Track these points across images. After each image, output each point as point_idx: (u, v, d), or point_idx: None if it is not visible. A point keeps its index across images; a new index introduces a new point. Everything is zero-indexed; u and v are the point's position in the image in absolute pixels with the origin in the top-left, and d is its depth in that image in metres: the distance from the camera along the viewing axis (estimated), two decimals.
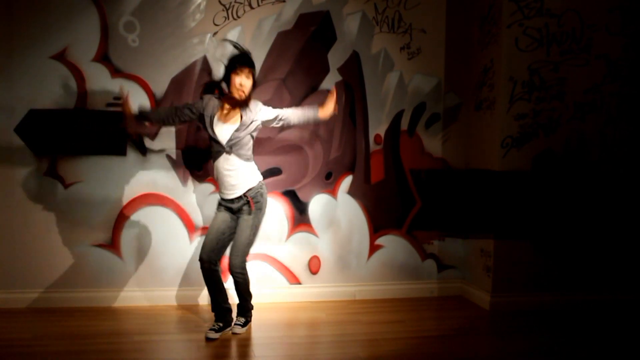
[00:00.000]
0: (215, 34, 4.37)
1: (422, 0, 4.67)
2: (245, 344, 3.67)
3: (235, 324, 3.86)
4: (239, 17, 4.40)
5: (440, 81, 4.76)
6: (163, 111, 3.82)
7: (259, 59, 4.44)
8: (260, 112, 3.76)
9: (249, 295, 3.88)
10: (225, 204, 3.77)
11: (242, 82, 3.62)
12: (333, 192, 4.64)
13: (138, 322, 4.00)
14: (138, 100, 4.27)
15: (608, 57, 4.46)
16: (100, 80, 4.23)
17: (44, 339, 3.61)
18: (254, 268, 4.53)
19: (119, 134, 4.27)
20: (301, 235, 4.59)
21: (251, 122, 3.71)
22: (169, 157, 4.37)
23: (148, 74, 4.29)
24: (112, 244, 4.32)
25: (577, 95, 4.46)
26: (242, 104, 3.68)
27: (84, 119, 4.23)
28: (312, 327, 4.04)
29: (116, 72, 4.25)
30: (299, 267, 4.62)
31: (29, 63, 4.14)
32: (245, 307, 3.90)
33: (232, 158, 3.68)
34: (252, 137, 3.77)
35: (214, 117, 3.70)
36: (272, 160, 4.52)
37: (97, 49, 4.22)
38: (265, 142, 4.50)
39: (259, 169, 4.47)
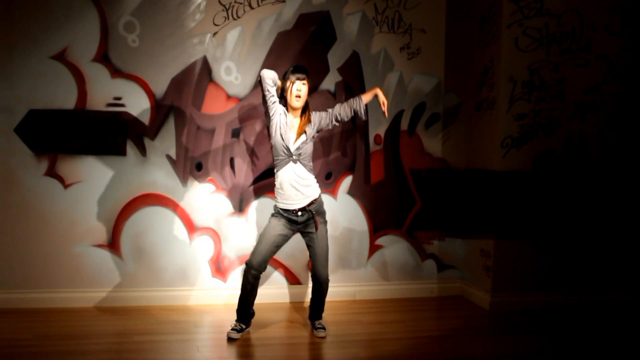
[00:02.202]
0: (215, 34, 4.37)
1: (422, 0, 4.67)
2: (245, 344, 3.67)
3: (318, 328, 3.84)
4: (239, 17, 4.40)
5: (440, 81, 4.76)
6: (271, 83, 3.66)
7: (259, 59, 4.45)
8: (318, 121, 3.78)
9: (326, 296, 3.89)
10: (287, 216, 3.70)
11: (299, 87, 3.64)
12: (333, 192, 4.64)
13: (138, 322, 4.00)
14: (138, 100, 4.28)
15: (608, 57, 4.46)
16: (100, 80, 4.23)
17: (44, 339, 3.61)
18: None
19: (119, 134, 4.27)
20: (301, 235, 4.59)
21: (313, 133, 3.75)
22: (169, 157, 4.37)
23: (148, 74, 4.29)
24: (112, 244, 4.32)
25: (577, 95, 4.46)
26: (304, 115, 3.72)
27: (84, 119, 4.23)
28: (312, 327, 4.03)
29: (116, 72, 4.25)
30: (299, 267, 4.62)
31: (29, 63, 4.14)
32: (322, 309, 3.91)
33: (299, 167, 3.68)
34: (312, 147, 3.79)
35: (282, 125, 3.67)
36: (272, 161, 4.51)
37: (97, 49, 4.22)
38: (266, 142, 4.49)
39: (259, 168, 4.50)
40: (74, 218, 4.26)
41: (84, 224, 4.27)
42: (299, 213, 3.69)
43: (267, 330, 3.96)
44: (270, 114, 3.68)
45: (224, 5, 4.37)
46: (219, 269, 4.49)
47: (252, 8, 4.42)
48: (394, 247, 4.76)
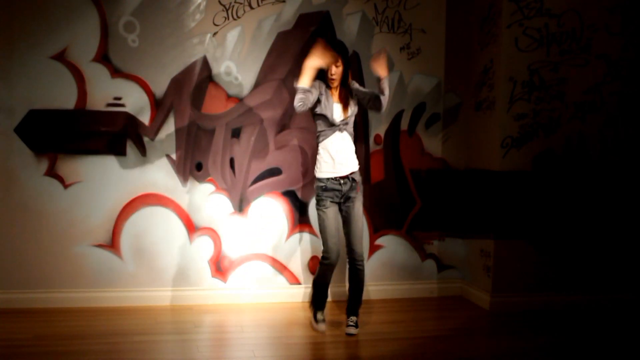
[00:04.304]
0: (215, 34, 4.37)
1: (422, 1, 4.67)
2: (245, 344, 3.67)
3: (349, 325, 3.85)
4: (239, 17, 4.40)
5: (440, 81, 4.76)
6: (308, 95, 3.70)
7: (259, 59, 4.45)
8: (355, 105, 3.86)
9: (364, 285, 3.92)
10: (332, 187, 3.75)
11: (333, 72, 3.73)
12: None
13: (138, 322, 4.00)
14: (138, 100, 4.28)
15: (608, 57, 4.46)
16: (100, 80, 4.23)
17: (44, 339, 3.61)
18: (253, 268, 4.54)
19: (119, 134, 4.27)
20: (301, 236, 4.59)
21: (355, 107, 3.84)
22: (169, 157, 4.37)
23: (148, 74, 4.29)
24: (112, 244, 4.32)
25: (577, 95, 4.45)
26: (343, 87, 3.81)
27: (84, 119, 4.23)
28: (312, 327, 4.03)
29: (116, 72, 4.25)
30: (299, 267, 4.62)
31: (29, 63, 4.13)
32: (359, 302, 3.91)
33: (345, 135, 3.79)
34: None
35: (326, 101, 3.76)
36: (272, 160, 4.52)
37: (97, 49, 4.22)
38: (265, 142, 4.50)
39: (259, 168, 4.51)
40: (74, 218, 4.26)
41: (84, 224, 4.27)
42: (342, 181, 3.76)
43: (267, 330, 3.96)
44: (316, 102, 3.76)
45: (224, 5, 4.37)
46: (219, 269, 4.49)
47: (252, 8, 4.42)
48: (394, 247, 4.76)
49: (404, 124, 4.72)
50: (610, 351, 3.69)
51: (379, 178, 4.70)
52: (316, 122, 3.82)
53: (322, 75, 3.76)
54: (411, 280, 4.80)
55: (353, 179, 3.78)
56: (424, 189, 4.78)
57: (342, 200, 3.80)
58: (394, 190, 4.74)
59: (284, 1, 4.45)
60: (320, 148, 3.80)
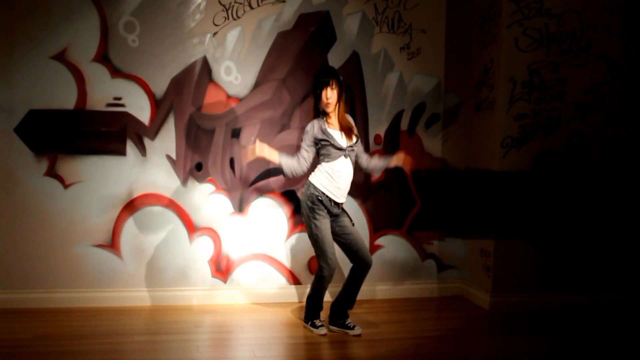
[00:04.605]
0: (215, 34, 4.37)
1: (422, 0, 4.67)
2: (245, 344, 3.67)
3: (355, 327, 3.87)
4: (239, 17, 4.40)
5: (440, 81, 4.76)
6: (292, 165, 3.80)
7: (259, 59, 4.45)
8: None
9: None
10: (327, 206, 3.78)
11: (327, 95, 3.72)
12: None
13: (138, 322, 4.00)
14: (138, 100, 4.28)
15: (608, 57, 4.46)
16: (100, 80, 4.23)
17: (44, 339, 3.61)
18: (253, 268, 4.54)
19: (119, 134, 4.27)
20: (301, 235, 4.59)
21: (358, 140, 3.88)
22: (169, 157, 4.37)
23: (148, 74, 4.29)
24: (112, 244, 4.32)
25: (577, 95, 4.45)
26: (340, 109, 3.80)
27: (84, 119, 4.23)
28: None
29: (116, 72, 4.25)
30: (299, 267, 4.62)
31: (29, 63, 4.14)
32: (354, 301, 3.97)
33: (349, 163, 3.80)
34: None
35: (326, 130, 3.76)
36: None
37: (97, 49, 4.22)
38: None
39: (259, 168, 4.50)
40: (74, 218, 4.26)
41: (84, 224, 4.27)
42: (334, 204, 3.80)
43: (267, 330, 3.96)
44: (315, 145, 3.81)
45: (224, 5, 4.37)
46: (219, 269, 4.49)
47: (252, 8, 4.42)
48: (394, 247, 4.76)
49: (404, 124, 4.72)
50: (610, 351, 3.69)
51: (379, 178, 4.70)
52: (321, 151, 3.80)
53: (317, 102, 3.78)
54: (411, 280, 4.80)
55: (341, 208, 3.85)
56: (424, 189, 4.78)
57: (332, 219, 3.83)
58: (394, 190, 4.74)
59: (284, 1, 4.45)
60: (323, 165, 3.79)
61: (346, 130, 3.79)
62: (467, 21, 4.76)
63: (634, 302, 4.55)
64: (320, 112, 3.81)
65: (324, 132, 3.75)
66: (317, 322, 3.92)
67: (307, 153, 3.80)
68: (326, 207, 3.78)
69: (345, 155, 3.77)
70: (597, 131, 4.51)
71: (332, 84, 3.72)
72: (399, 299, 4.70)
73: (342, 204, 3.84)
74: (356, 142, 3.82)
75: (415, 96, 4.72)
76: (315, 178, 3.80)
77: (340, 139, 3.77)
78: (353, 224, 3.89)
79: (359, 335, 3.82)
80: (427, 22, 4.68)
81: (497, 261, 4.44)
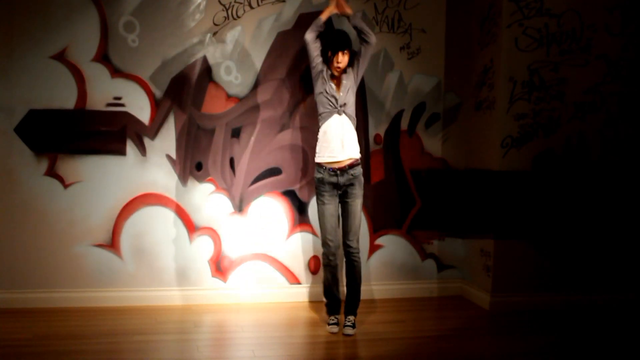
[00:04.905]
0: (215, 34, 4.37)
1: (422, 0, 4.66)
2: (245, 344, 3.67)
3: (346, 325, 3.86)
4: (238, 17, 4.40)
5: (440, 81, 4.76)
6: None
7: (259, 59, 4.44)
8: (355, 68, 3.91)
9: (361, 281, 3.92)
10: (329, 180, 3.78)
11: (339, 60, 3.78)
12: None
13: (138, 322, 4.00)
14: (138, 100, 4.28)
15: (608, 57, 4.46)
16: (100, 80, 4.23)
17: (44, 339, 3.61)
18: (253, 268, 4.54)
19: (119, 134, 4.27)
20: (301, 235, 4.59)
21: (353, 79, 3.89)
22: (169, 157, 4.37)
23: (148, 74, 4.29)
24: (112, 244, 4.32)
25: (577, 95, 4.45)
26: (344, 72, 3.88)
27: (84, 119, 4.23)
28: (312, 327, 4.03)
29: (116, 72, 4.25)
30: (299, 267, 4.62)
31: (29, 63, 4.13)
32: (358, 300, 3.91)
33: (344, 119, 3.81)
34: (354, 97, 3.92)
35: (326, 79, 3.83)
36: (272, 160, 4.52)
37: (97, 49, 4.22)
38: (265, 142, 4.49)
39: (259, 168, 4.51)
40: (74, 218, 4.26)
41: (84, 224, 4.27)
42: (338, 172, 3.77)
43: (267, 330, 3.96)
44: (314, 67, 3.85)
45: (224, 5, 4.37)
46: (219, 269, 4.49)
47: (252, 8, 4.42)
48: (394, 247, 4.76)
49: (404, 124, 4.72)
50: (610, 351, 3.69)
51: (379, 178, 4.70)
52: (317, 105, 3.89)
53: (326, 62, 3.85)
54: (411, 280, 4.80)
55: (352, 174, 3.79)
56: (424, 188, 4.78)
57: (340, 193, 3.83)
58: (394, 190, 4.74)
59: (284, 1, 4.45)
60: (319, 131, 3.86)
61: (343, 80, 3.84)
62: (467, 21, 4.76)
63: (634, 302, 4.55)
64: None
65: (322, 78, 3.82)
66: (330, 319, 3.93)
67: (318, 57, 3.87)
68: (330, 182, 3.78)
69: (339, 112, 3.80)
70: (597, 131, 4.51)
71: (346, 50, 3.79)
72: (399, 299, 4.70)
73: (350, 171, 3.78)
74: (345, 89, 3.82)
75: (415, 96, 4.72)
76: (316, 154, 3.87)
77: (336, 93, 3.81)
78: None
79: (349, 335, 3.80)
80: (427, 22, 4.68)
81: (497, 261, 4.44)
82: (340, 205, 3.88)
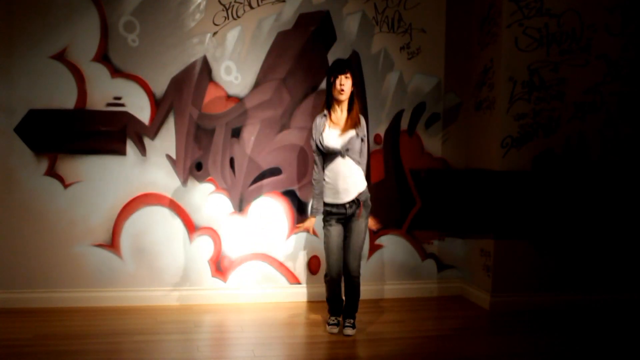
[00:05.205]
0: (215, 33, 4.37)
1: (422, 0, 4.66)
2: (245, 344, 3.68)
3: (346, 326, 3.87)
4: (238, 17, 4.40)
5: (440, 81, 4.76)
6: (318, 184, 3.86)
7: (259, 59, 4.45)
8: (364, 132, 3.87)
9: (359, 298, 3.93)
10: (337, 212, 3.79)
11: (342, 82, 3.71)
12: None
13: (138, 322, 4.00)
14: (138, 100, 4.28)
15: (608, 57, 4.46)
16: (100, 80, 4.23)
17: (44, 339, 3.61)
18: (254, 268, 4.54)
19: (119, 134, 4.27)
20: (301, 235, 4.59)
21: (362, 135, 3.84)
22: (168, 156, 4.37)
23: (148, 74, 4.29)
24: (112, 244, 4.32)
25: (577, 95, 4.46)
26: (351, 111, 3.80)
27: (84, 119, 4.23)
28: (312, 327, 4.04)
29: (116, 72, 4.25)
30: (299, 267, 4.62)
31: (29, 63, 4.14)
32: (355, 309, 3.93)
33: (348, 161, 3.77)
34: (362, 145, 3.86)
35: (323, 130, 3.77)
36: (272, 160, 4.52)
37: (97, 49, 4.22)
38: (265, 142, 4.50)
39: (259, 168, 4.51)
40: (74, 218, 4.26)
41: (84, 223, 4.27)
42: (347, 205, 3.78)
43: (267, 330, 3.96)
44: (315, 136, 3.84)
45: (224, 5, 4.37)
46: (219, 268, 4.49)
47: (252, 8, 4.42)
48: (394, 247, 4.76)
49: (404, 124, 4.72)
50: (610, 351, 3.69)
51: (379, 178, 4.70)
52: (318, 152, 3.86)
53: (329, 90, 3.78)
54: (411, 280, 4.80)
55: (358, 201, 3.80)
56: (424, 188, 4.78)
57: (347, 218, 3.83)
58: (394, 190, 4.74)
59: (284, 1, 4.45)
60: (325, 172, 3.84)
61: (350, 126, 3.76)
62: (467, 21, 4.76)
63: (634, 302, 4.55)
64: (329, 105, 3.81)
65: (318, 134, 3.78)
66: (330, 320, 3.95)
67: (319, 159, 3.84)
68: (337, 213, 3.79)
69: (342, 156, 3.77)
70: (597, 131, 4.51)
71: (347, 73, 3.73)
72: (398, 299, 4.70)
73: (353, 202, 3.79)
74: (349, 138, 3.75)
75: (415, 96, 4.72)
76: (324, 192, 3.83)
77: (336, 139, 3.75)
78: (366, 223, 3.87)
79: (348, 336, 3.81)
80: (427, 22, 4.68)
81: (497, 261, 4.45)
82: (344, 225, 3.86)
